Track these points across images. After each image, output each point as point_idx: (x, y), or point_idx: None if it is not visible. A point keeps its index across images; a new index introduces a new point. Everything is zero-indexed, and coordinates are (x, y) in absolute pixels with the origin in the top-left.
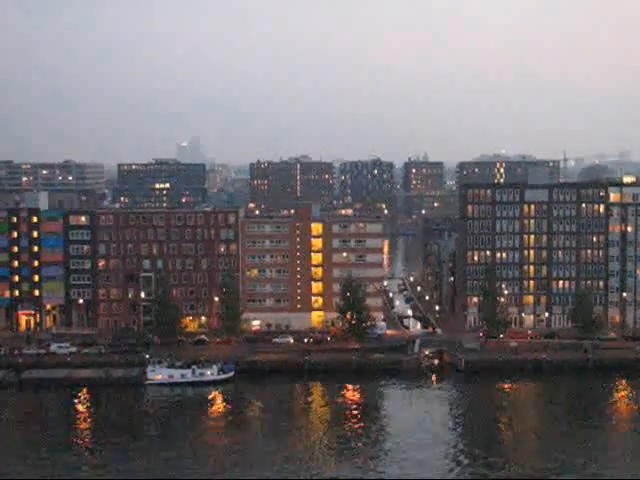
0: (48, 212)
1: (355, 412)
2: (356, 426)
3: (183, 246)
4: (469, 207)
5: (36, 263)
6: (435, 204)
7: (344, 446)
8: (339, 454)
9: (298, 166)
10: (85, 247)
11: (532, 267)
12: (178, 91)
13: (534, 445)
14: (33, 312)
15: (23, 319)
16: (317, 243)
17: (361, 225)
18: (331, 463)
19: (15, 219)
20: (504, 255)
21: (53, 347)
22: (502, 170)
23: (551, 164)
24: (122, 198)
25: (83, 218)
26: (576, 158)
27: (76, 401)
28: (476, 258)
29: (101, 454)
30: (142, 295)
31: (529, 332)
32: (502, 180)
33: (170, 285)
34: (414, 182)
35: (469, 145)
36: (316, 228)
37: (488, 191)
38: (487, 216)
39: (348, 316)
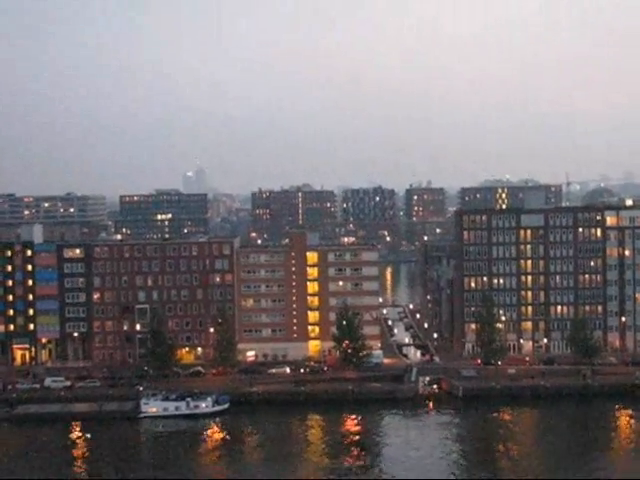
0: (42, 245)
1: (352, 443)
2: (353, 458)
3: (178, 277)
4: (465, 233)
5: (31, 297)
6: (438, 230)
7: (340, 476)
8: None
9: (300, 194)
10: (80, 280)
11: (530, 292)
12: (182, 121)
13: (532, 475)
14: (28, 346)
15: (18, 353)
16: (313, 272)
17: (357, 253)
18: None
19: (9, 252)
20: (501, 281)
21: (47, 381)
22: (504, 195)
23: (553, 188)
24: (124, 229)
25: (77, 250)
26: (581, 182)
27: (70, 436)
28: (473, 284)
29: None
30: (137, 327)
31: (527, 359)
32: (504, 206)
33: (165, 316)
34: (416, 208)
35: (473, 171)
36: (312, 257)
37: (484, 217)
38: (483, 242)
39: (344, 345)
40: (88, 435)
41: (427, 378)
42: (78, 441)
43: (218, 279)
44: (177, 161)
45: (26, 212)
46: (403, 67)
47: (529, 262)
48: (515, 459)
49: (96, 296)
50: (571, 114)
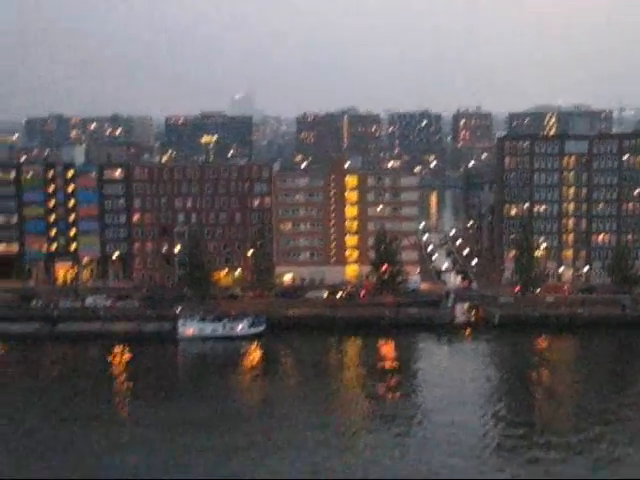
0: (83, 166)
1: (388, 368)
2: (390, 383)
3: (217, 200)
4: (507, 159)
5: (72, 217)
6: (484, 156)
7: (379, 404)
8: (375, 413)
9: (345, 118)
10: (120, 201)
11: (571, 220)
12: (233, 42)
13: (569, 405)
14: (70, 265)
15: (61, 272)
16: (352, 196)
17: (396, 178)
18: (366, 420)
19: (51, 173)
20: (542, 208)
21: (88, 300)
22: (553, 121)
23: (604, 114)
24: (169, 151)
25: (118, 172)
26: (636, 107)
27: (109, 354)
28: (513, 211)
29: (135, 408)
30: (176, 249)
31: (566, 287)
32: (552, 132)
33: (204, 239)
34: (463, 133)
35: (524, 95)
36: (351, 181)
37: (526, 143)
38: (525, 168)
39: (381, 270)
40: (126, 354)
41: (465, 304)
42: (117, 360)
43: (257, 202)
44: (225, 83)
45: (73, 133)
46: None
47: (571, 189)
48: (549, 387)
49: (136, 217)
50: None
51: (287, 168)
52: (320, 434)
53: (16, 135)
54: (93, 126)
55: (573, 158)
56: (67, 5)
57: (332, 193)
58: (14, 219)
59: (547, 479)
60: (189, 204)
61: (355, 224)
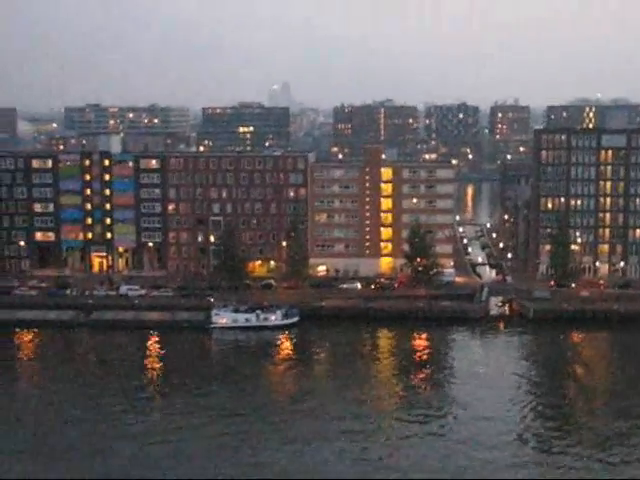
0: (120, 155)
1: (421, 360)
2: (423, 375)
3: (252, 190)
4: (543, 153)
5: (108, 206)
6: (521, 149)
7: (413, 396)
8: (408, 404)
9: (382, 110)
10: (155, 190)
11: (608, 215)
12: (272, 35)
13: (603, 400)
14: (105, 254)
15: (96, 261)
16: (387, 188)
17: (432, 170)
18: (400, 413)
19: (88, 162)
20: (579, 202)
21: (122, 289)
22: (591, 114)
23: None
24: (206, 141)
25: (154, 161)
26: None
27: (142, 343)
28: (550, 205)
29: (168, 397)
30: (211, 239)
31: (602, 282)
32: (590, 125)
33: (239, 229)
34: (500, 126)
35: (565, 88)
36: (386, 173)
37: (563, 136)
38: (562, 162)
39: (416, 263)
40: (160, 343)
41: (499, 298)
42: (150, 349)
43: (292, 193)
44: (264, 74)
45: (111, 122)
46: None
47: (608, 184)
48: (583, 382)
49: (171, 207)
50: None
51: (323, 159)
52: (351, 424)
53: (54, 125)
54: (131, 116)
55: (610, 152)
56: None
57: (367, 185)
58: (51, 207)
59: (574, 479)
60: (224, 194)
61: (390, 216)
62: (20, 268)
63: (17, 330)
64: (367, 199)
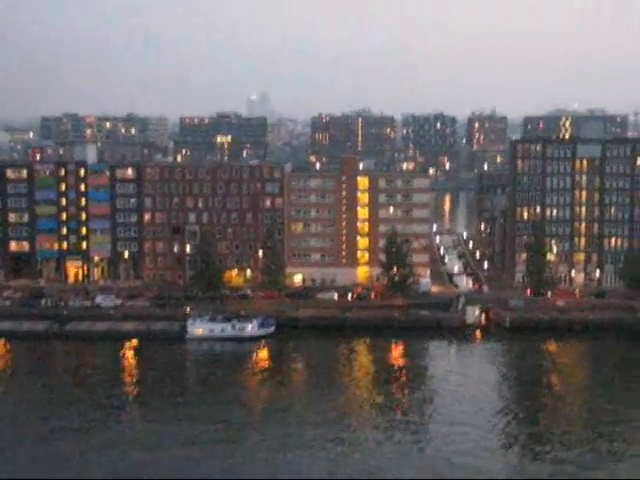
0: (95, 165)
1: (397, 370)
2: (399, 384)
3: (229, 200)
4: (519, 162)
5: (84, 216)
6: (498, 159)
7: (387, 404)
8: (385, 412)
9: (359, 119)
10: (131, 200)
11: (583, 224)
12: (247, 43)
13: (577, 406)
14: (81, 264)
15: (72, 271)
16: (363, 197)
17: (408, 180)
18: (376, 420)
19: (63, 171)
20: (554, 212)
21: (98, 299)
22: (567, 124)
23: (619, 119)
24: (184, 151)
25: (129, 171)
26: None
27: (118, 354)
28: (526, 214)
29: (142, 406)
30: (187, 248)
31: (577, 291)
32: (567, 135)
33: (215, 239)
34: (477, 136)
35: (541, 98)
36: (362, 182)
37: (538, 146)
38: (537, 172)
39: (392, 272)
40: (135, 354)
41: (475, 307)
42: (126, 359)
43: (268, 203)
44: (241, 84)
45: (88, 132)
46: None
47: (584, 193)
48: (559, 392)
49: (147, 217)
50: None
51: (299, 169)
52: (327, 432)
53: (31, 134)
54: (108, 125)
55: (585, 162)
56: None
57: (344, 194)
58: (26, 217)
59: (553, 479)
60: (200, 204)
61: (366, 226)
62: None
63: None
64: (344, 208)
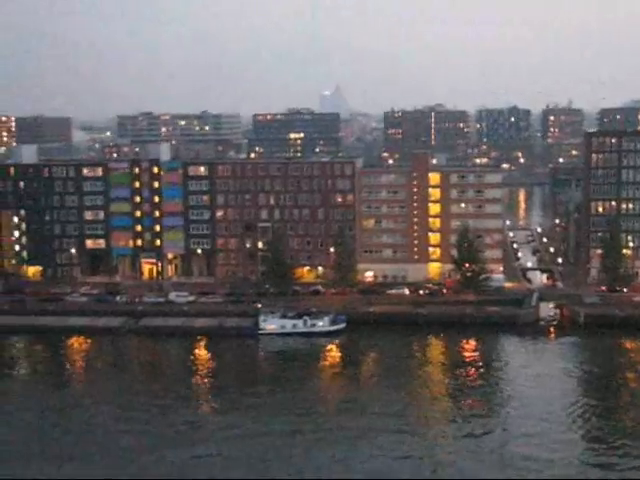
0: (168, 162)
1: (471, 365)
2: (470, 380)
3: (300, 196)
4: (593, 156)
5: (157, 213)
6: (574, 152)
7: (458, 400)
8: (453, 407)
9: (432, 114)
10: (204, 197)
11: None
12: (320, 39)
13: None
14: (155, 261)
15: (146, 268)
16: (435, 193)
17: (480, 175)
18: (445, 414)
19: (137, 170)
20: (630, 206)
21: (172, 296)
22: None
23: None
24: (257, 148)
25: (202, 168)
26: None
27: (190, 350)
28: (600, 209)
29: (214, 402)
30: (259, 245)
31: None
32: None
33: (287, 235)
34: (552, 130)
35: (618, 90)
36: (434, 178)
37: (614, 139)
38: (612, 165)
39: (464, 268)
40: (208, 350)
41: (549, 303)
42: (198, 355)
43: (339, 199)
44: (315, 80)
45: (163, 129)
46: None
47: None
48: (634, 389)
49: (219, 214)
50: None
51: (371, 165)
52: (397, 425)
53: (108, 133)
54: (182, 123)
55: None
56: (162, 7)
57: (415, 190)
58: (101, 215)
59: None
60: (272, 200)
61: (438, 221)
62: (72, 275)
63: (67, 337)
64: (415, 204)
